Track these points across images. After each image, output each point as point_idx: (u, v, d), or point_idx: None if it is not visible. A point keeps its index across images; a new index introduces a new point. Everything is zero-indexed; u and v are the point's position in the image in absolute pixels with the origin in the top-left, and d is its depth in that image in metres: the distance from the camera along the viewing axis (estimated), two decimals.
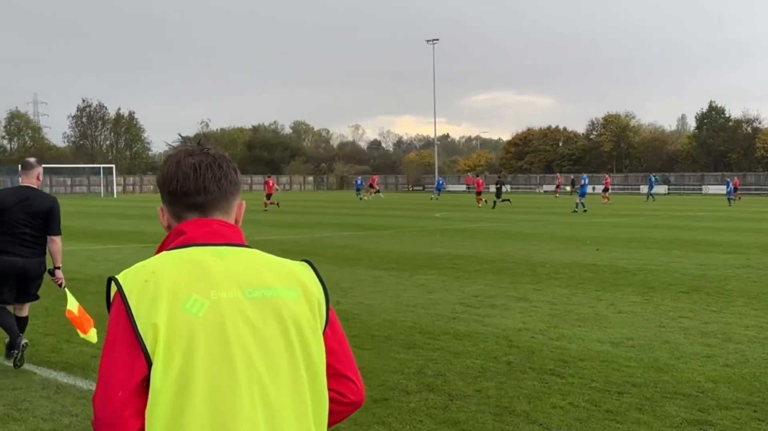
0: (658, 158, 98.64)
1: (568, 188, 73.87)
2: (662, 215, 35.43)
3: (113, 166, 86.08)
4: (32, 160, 7.56)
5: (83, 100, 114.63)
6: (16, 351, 7.00)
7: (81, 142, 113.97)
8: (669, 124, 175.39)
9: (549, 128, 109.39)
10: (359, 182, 69.24)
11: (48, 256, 7.43)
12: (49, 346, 7.92)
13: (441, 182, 75.68)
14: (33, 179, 7.31)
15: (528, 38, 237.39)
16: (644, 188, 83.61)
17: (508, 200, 48.10)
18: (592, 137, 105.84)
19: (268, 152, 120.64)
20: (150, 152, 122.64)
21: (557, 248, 18.63)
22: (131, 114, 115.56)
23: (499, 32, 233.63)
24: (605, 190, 53.57)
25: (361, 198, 62.12)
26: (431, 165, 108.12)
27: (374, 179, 67.58)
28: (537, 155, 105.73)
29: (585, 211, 37.17)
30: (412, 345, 7.95)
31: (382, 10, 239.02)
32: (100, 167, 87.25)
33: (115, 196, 76.74)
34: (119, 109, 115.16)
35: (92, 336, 6.86)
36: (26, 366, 7.08)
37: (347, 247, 19.07)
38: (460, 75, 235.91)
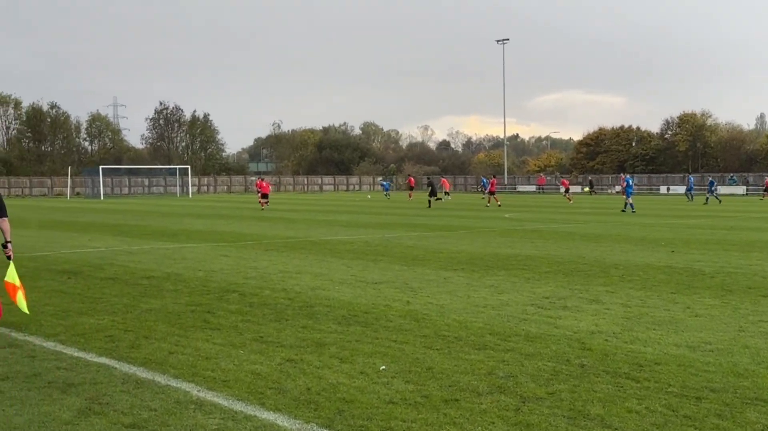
0: (735, 157, 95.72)
1: (587, 189, 72.56)
2: (740, 217, 34.38)
3: (189, 167, 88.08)
4: None
5: (160, 103, 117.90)
6: None
7: (158, 143, 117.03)
8: (747, 123, 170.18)
9: (621, 127, 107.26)
10: (386, 185, 73.49)
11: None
12: (128, 342, 8.15)
13: (484, 180, 77.45)
14: None
15: (597, 37, 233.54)
16: (721, 189, 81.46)
17: (440, 198, 50.74)
18: (666, 136, 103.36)
19: (338, 153, 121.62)
20: (224, 153, 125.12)
21: (630, 250, 18.26)
22: (206, 116, 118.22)
23: (568, 31, 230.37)
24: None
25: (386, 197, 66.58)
26: (501, 166, 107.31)
27: (444, 180, 68.10)
28: (609, 155, 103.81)
29: (633, 212, 37.23)
30: (482, 346, 7.91)
31: (452, 10, 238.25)
32: (176, 168, 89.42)
33: (190, 196, 78.43)
34: (194, 111, 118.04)
35: (23, 305, 9.03)
36: (107, 361, 7.31)
37: (416, 247, 19.08)
38: (529, 75, 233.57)
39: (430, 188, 47.36)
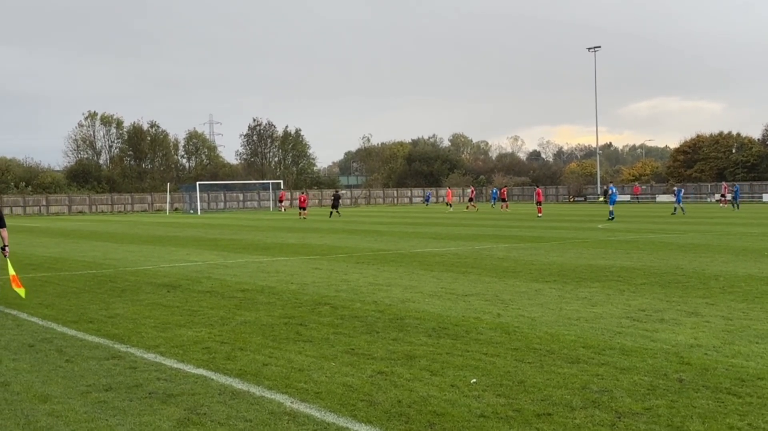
0: None
1: (601, 198, 70.24)
2: None
3: (281, 181, 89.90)
4: None
5: (254, 119, 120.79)
6: None
7: (252, 159, 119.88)
8: None
9: (720, 134, 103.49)
10: (494, 192, 74.68)
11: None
12: (224, 353, 8.37)
13: (494, 192, 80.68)
14: None
15: (691, 42, 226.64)
16: None
17: (338, 213, 54.19)
18: None
19: (427, 165, 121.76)
20: (315, 167, 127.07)
21: (731, 260, 17.60)
22: (297, 131, 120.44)
23: (660, 36, 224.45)
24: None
25: (492, 206, 68.43)
26: (593, 175, 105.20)
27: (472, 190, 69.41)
28: (707, 163, 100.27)
29: (684, 213, 37.17)
30: (575, 360, 7.77)
31: (542, 18, 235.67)
32: (269, 183, 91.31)
33: (283, 210, 79.88)
34: (286, 126, 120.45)
35: (22, 292, 12.16)
36: (204, 372, 7.53)
37: (506, 259, 18.90)
38: (620, 82, 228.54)
39: (334, 199, 54.32)
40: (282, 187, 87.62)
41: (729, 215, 44.72)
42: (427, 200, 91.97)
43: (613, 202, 40.54)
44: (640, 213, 52.06)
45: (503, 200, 58.85)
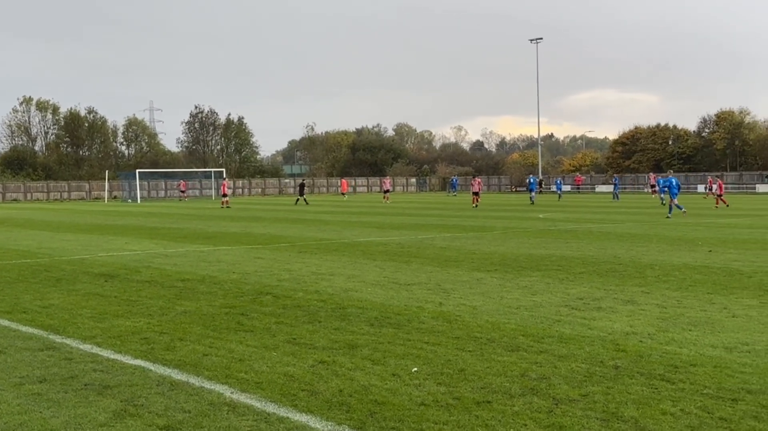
0: None
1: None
2: None
3: (224, 170, 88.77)
4: None
5: (195, 107, 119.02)
6: None
7: (193, 147, 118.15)
8: None
9: (658, 125, 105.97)
10: (455, 181, 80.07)
11: None
12: (163, 344, 8.25)
13: (454, 180, 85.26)
14: None
15: (629, 35, 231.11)
16: (760, 188, 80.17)
17: (305, 200, 55.85)
18: (704, 134, 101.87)
19: (371, 155, 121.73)
20: (258, 156, 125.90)
21: (666, 250, 18.04)
22: (240, 119, 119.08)
23: (599, 30, 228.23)
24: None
25: (454, 195, 71.76)
26: (535, 166, 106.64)
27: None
28: (645, 154, 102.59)
29: (663, 204, 40.10)
30: (515, 348, 7.87)
31: (484, 11, 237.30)
32: (211, 171, 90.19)
33: (222, 206, 79.05)
34: (229, 114, 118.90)
35: None
36: (142, 363, 7.40)
37: (449, 248, 19.04)
38: (560, 74, 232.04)
39: (300, 187, 58.17)
40: (224, 176, 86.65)
41: (661, 206, 45.81)
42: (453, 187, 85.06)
43: (533, 189, 42.06)
44: (581, 203, 52.99)
45: (475, 194, 51.21)
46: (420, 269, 14.76)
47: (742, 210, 39.36)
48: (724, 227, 26.37)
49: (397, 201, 62.32)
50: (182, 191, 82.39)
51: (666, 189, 35.80)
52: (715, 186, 45.50)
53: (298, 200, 56.34)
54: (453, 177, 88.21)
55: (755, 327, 8.87)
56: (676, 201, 34.19)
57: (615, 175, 74.66)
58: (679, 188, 35.12)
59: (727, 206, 42.58)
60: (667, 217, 32.15)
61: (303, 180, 67.75)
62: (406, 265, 15.50)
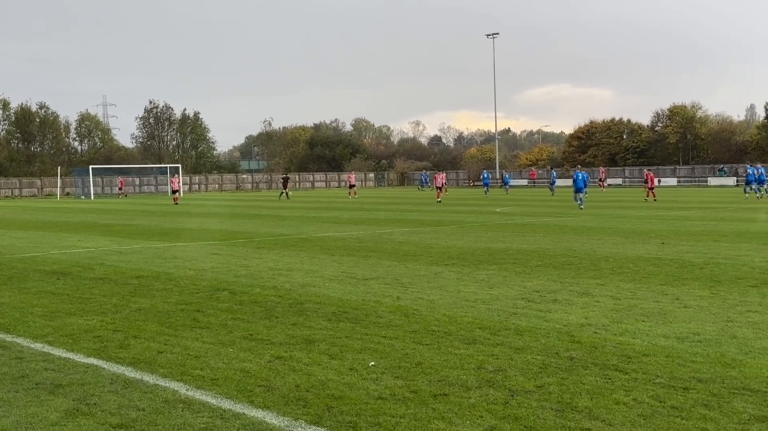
0: (726, 149, 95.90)
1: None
2: (731, 208, 34.50)
3: (179, 165, 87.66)
4: None
5: (150, 102, 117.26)
6: None
7: (148, 142, 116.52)
8: (737, 114, 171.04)
9: (612, 120, 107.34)
10: (425, 176, 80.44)
11: None
12: (117, 342, 8.13)
13: (425, 175, 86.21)
14: None
15: (583, 30, 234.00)
16: (712, 181, 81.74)
17: (287, 195, 58.45)
18: (657, 128, 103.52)
19: (329, 150, 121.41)
20: (215, 152, 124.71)
21: (621, 243, 18.31)
22: (196, 114, 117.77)
23: (557, 25, 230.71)
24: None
25: (420, 189, 73.54)
26: (492, 160, 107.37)
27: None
28: (600, 149, 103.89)
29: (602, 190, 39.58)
30: (472, 341, 7.92)
31: (440, 5, 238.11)
32: (167, 167, 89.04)
33: (181, 195, 78.25)
34: (185, 109, 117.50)
35: None
36: (95, 362, 7.29)
37: (407, 243, 19.08)
38: (517, 69, 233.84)
39: (283, 181, 59.89)
40: (179, 171, 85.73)
41: (620, 200, 46.45)
42: (423, 183, 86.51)
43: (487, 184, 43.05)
44: (537, 197, 53.53)
45: (438, 188, 51.37)
46: (378, 264, 14.76)
47: (694, 203, 40.10)
48: (677, 219, 26.84)
49: (359, 196, 62.26)
50: (120, 189, 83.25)
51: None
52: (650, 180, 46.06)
53: (282, 193, 58.43)
54: (423, 172, 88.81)
55: (706, 317, 9.04)
56: (581, 196, 35.54)
57: (552, 170, 74.71)
58: (585, 184, 36.53)
59: (656, 200, 43.18)
60: (580, 208, 34.44)
61: (287, 174, 68.52)
62: (364, 260, 15.49)
